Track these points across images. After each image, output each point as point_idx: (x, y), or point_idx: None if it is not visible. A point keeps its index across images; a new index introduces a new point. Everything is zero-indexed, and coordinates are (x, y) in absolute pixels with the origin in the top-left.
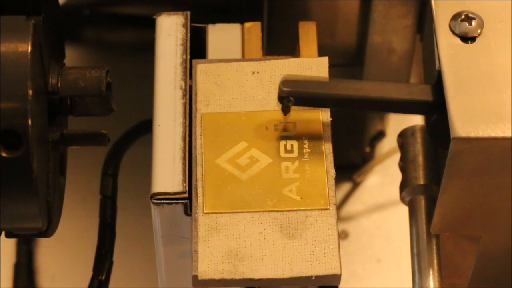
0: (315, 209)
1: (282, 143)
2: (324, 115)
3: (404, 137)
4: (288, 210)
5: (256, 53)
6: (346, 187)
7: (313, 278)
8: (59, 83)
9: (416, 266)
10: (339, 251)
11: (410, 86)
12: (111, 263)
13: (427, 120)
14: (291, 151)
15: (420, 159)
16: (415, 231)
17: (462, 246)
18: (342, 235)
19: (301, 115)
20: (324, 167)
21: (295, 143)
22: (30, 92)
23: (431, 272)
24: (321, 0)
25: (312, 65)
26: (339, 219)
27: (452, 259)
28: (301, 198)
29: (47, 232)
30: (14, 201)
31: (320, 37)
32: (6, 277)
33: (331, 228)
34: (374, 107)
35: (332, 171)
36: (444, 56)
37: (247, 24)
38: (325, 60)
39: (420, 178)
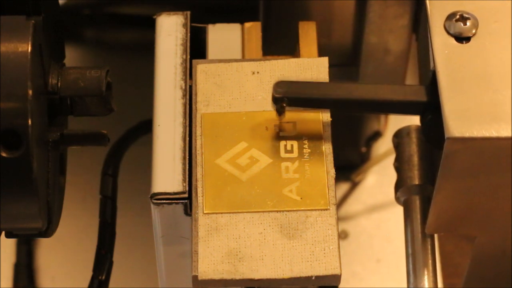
0: (315, 209)
1: (282, 143)
2: (324, 115)
3: (399, 137)
4: (288, 210)
5: (256, 53)
6: (344, 187)
7: (313, 278)
8: (59, 83)
9: (411, 266)
10: (339, 251)
11: (404, 87)
12: (111, 263)
13: (421, 121)
14: (291, 151)
15: (415, 159)
16: (410, 231)
17: (462, 246)
18: (342, 235)
19: (301, 115)
20: (324, 167)
21: (295, 143)
22: (30, 92)
23: (425, 272)
24: (317, 0)
25: (312, 65)
26: (339, 219)
27: (451, 259)
28: (301, 198)
29: (47, 232)
30: (14, 201)
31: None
32: (6, 277)
33: (331, 229)
34: (369, 109)
35: (332, 171)
36: (439, 56)
37: (247, 24)
38: (325, 60)
39: (415, 178)
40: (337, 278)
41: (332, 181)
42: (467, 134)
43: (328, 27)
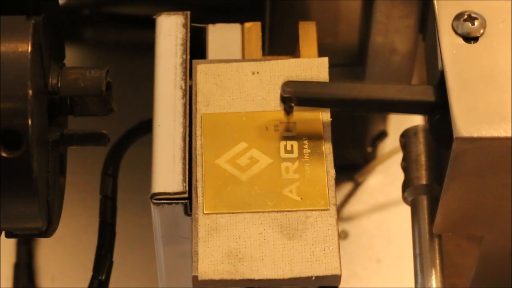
0: (315, 210)
1: (282, 143)
2: (324, 115)
3: (406, 137)
4: (288, 211)
5: (256, 53)
6: (347, 187)
7: (313, 278)
8: (59, 83)
9: (418, 266)
10: (339, 252)
11: (412, 87)
12: (111, 263)
13: (429, 121)
14: (291, 151)
15: (423, 159)
16: (418, 231)
17: (463, 246)
18: (342, 235)
19: (301, 115)
20: (324, 167)
21: (295, 144)
22: (30, 92)
23: (433, 272)
24: (323, 0)
25: (312, 66)
26: (340, 219)
27: (452, 259)
28: (301, 198)
29: (47, 232)
30: (14, 201)
31: (322, 37)
32: (6, 277)
33: (331, 229)
34: (377, 109)
35: (332, 172)
36: (447, 56)
37: (247, 24)
38: (325, 60)
39: (423, 178)
40: (337, 278)
41: (332, 181)
42: (475, 134)
43: (335, 27)
